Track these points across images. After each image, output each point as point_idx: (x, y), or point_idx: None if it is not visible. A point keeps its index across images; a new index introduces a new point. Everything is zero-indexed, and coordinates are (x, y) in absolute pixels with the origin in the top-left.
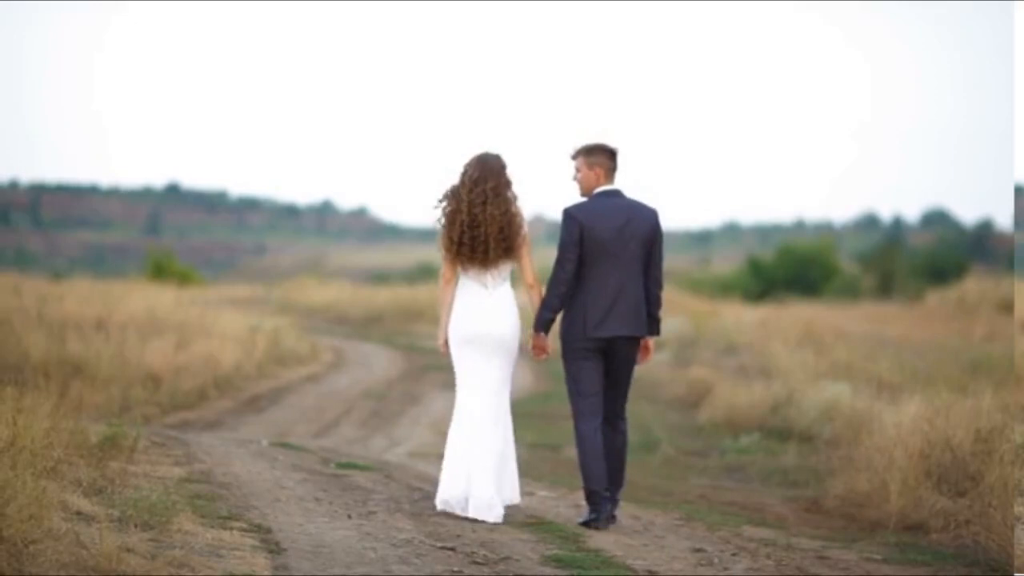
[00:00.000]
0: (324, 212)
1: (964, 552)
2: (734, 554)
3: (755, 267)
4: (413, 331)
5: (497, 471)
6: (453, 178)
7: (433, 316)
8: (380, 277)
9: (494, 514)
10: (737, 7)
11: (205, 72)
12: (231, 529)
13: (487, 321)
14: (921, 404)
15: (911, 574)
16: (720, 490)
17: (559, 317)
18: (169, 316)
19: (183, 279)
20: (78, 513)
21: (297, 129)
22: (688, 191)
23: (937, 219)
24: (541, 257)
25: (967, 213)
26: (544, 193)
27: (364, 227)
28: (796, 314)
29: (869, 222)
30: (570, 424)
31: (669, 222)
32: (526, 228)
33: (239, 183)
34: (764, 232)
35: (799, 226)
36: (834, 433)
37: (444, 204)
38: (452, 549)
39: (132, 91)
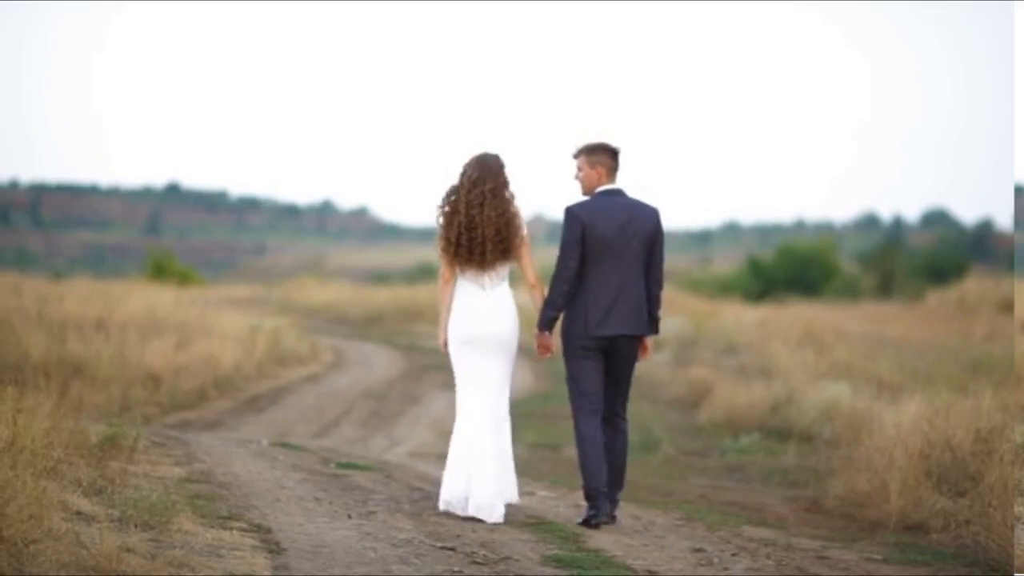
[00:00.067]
0: (324, 212)
1: (964, 552)
2: (734, 554)
3: (755, 267)
4: (413, 331)
5: (497, 471)
6: (453, 178)
7: (433, 316)
8: (380, 277)
9: (495, 514)
10: (737, 7)
11: (205, 72)
12: (231, 529)
13: (485, 321)
14: (921, 404)
15: (911, 574)
16: (720, 490)
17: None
18: (169, 316)
19: (183, 279)
20: (78, 513)
21: (297, 129)
22: (688, 191)
23: (937, 219)
24: (541, 257)
25: (967, 213)
26: (544, 193)
27: (364, 227)
28: (796, 314)
29: (869, 222)
30: (570, 424)
31: (669, 222)
32: (525, 229)
33: (239, 183)
34: (764, 232)
35: (799, 226)
36: (834, 433)
37: (444, 205)
38: (452, 549)
39: (132, 91)
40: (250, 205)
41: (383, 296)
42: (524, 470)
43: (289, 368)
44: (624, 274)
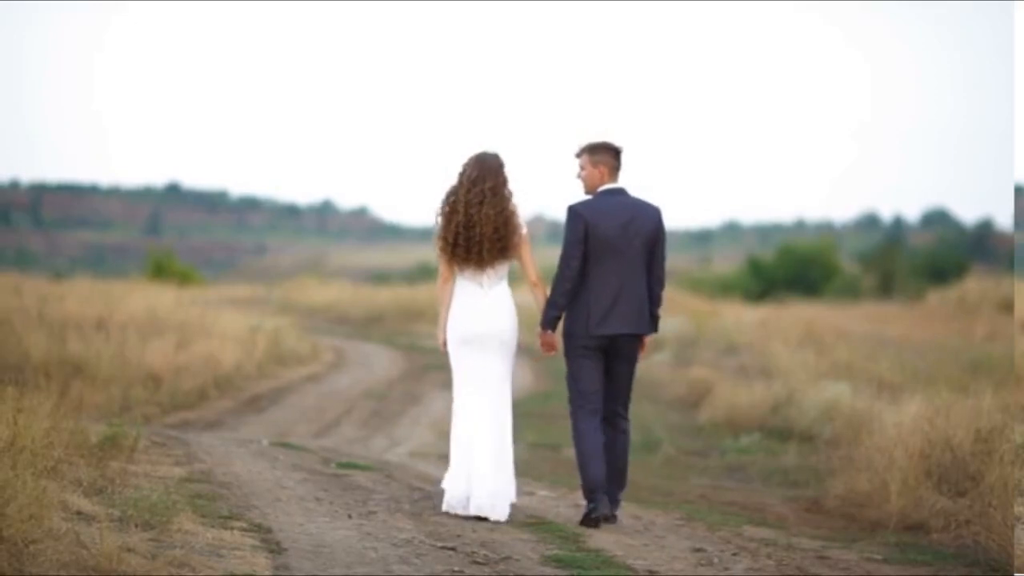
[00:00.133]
0: (324, 212)
1: (964, 552)
2: (735, 554)
3: (755, 267)
4: (414, 331)
5: (497, 469)
6: (453, 179)
7: (433, 316)
8: (380, 277)
9: (497, 512)
10: (737, 7)
11: (205, 72)
12: (232, 529)
13: (484, 320)
14: (921, 404)
15: (911, 574)
16: (720, 490)
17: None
18: (169, 316)
19: (183, 279)
20: (78, 513)
21: (297, 129)
22: (688, 191)
23: (937, 219)
24: (541, 257)
25: (967, 213)
26: (544, 192)
27: (364, 227)
28: (796, 314)
29: (869, 222)
30: (570, 423)
31: (669, 222)
32: (525, 227)
33: (239, 183)
34: (764, 232)
35: (799, 226)
36: (834, 433)
37: (444, 206)
38: (452, 549)
39: (132, 91)
40: (250, 205)
41: (383, 296)
42: (524, 470)
43: (289, 368)
44: (626, 273)
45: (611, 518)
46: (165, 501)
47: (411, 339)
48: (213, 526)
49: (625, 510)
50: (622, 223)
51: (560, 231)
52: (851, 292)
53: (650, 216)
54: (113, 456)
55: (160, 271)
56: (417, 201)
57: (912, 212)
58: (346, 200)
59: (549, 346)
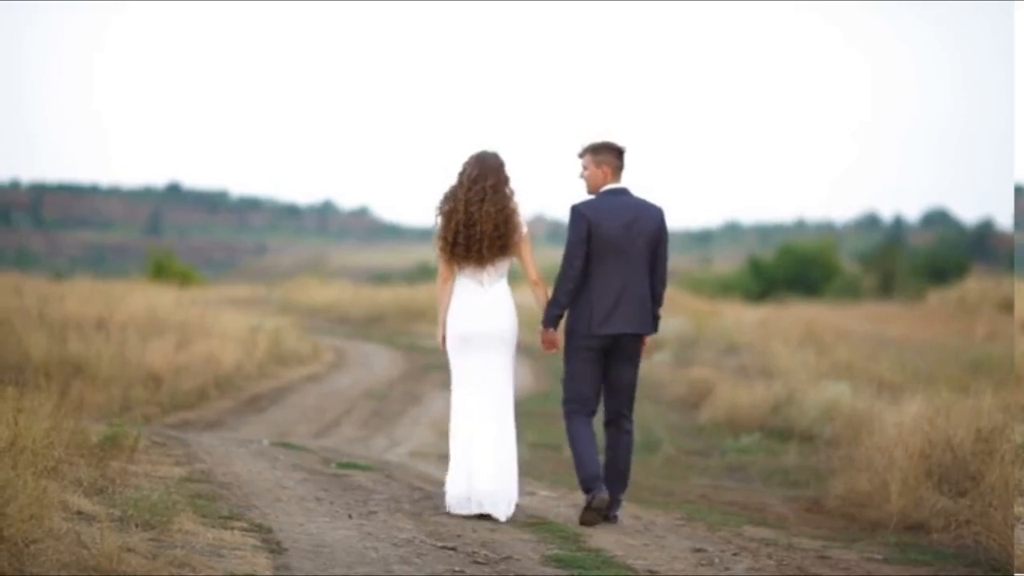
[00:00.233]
0: (325, 212)
1: (965, 552)
2: (735, 554)
3: (756, 267)
4: (414, 331)
5: (499, 466)
6: (453, 178)
7: (434, 316)
8: (381, 277)
9: (500, 511)
10: (737, 7)
11: (206, 72)
12: (232, 529)
13: (484, 318)
14: (922, 404)
15: (912, 574)
16: (721, 490)
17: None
18: (170, 316)
19: (184, 279)
20: (79, 513)
21: (298, 129)
22: (689, 191)
23: (938, 219)
24: (542, 257)
25: (968, 213)
26: (545, 192)
27: (365, 227)
28: (797, 314)
29: (870, 222)
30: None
31: (670, 222)
32: (525, 225)
33: (240, 183)
34: (765, 232)
35: (800, 226)
36: (835, 433)
37: (443, 206)
38: (453, 549)
39: (133, 91)
40: (251, 205)
41: (384, 296)
42: (525, 470)
43: (290, 368)
44: (629, 273)
45: (612, 518)
46: (165, 501)
47: (411, 339)
48: (213, 526)
49: (626, 510)
50: (625, 223)
51: (561, 231)
52: (851, 292)
53: (653, 216)
54: (113, 456)
55: (160, 271)
56: (418, 201)
57: (912, 212)
58: (346, 200)
59: (550, 344)
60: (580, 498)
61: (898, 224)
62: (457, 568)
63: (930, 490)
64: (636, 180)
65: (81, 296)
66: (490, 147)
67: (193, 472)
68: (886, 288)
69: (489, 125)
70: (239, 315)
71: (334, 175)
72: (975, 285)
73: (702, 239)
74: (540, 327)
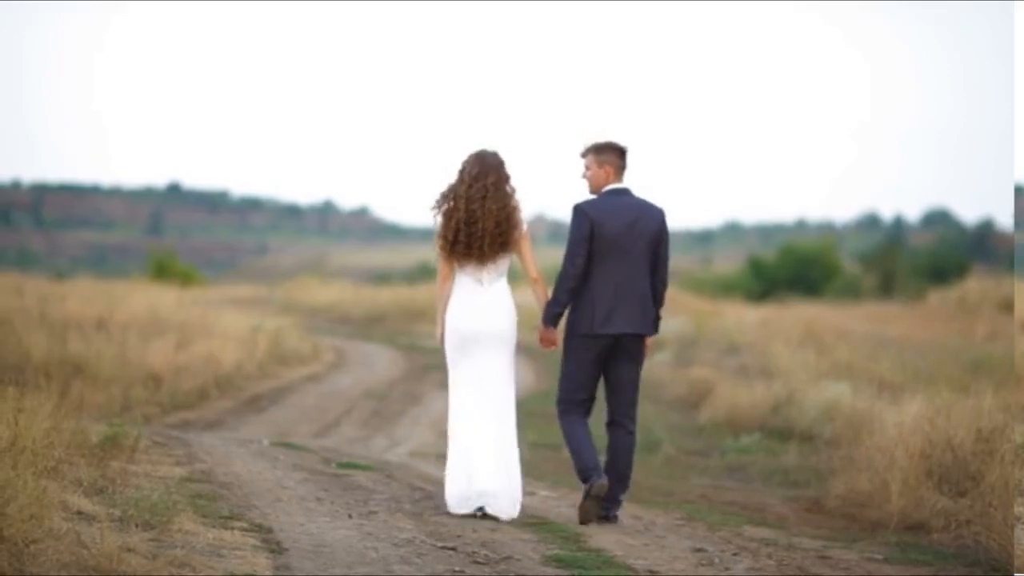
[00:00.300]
0: (326, 212)
1: (965, 552)
2: (735, 554)
3: (756, 267)
4: (415, 331)
5: (499, 468)
6: (452, 178)
7: (434, 316)
8: (382, 277)
9: (505, 510)
10: (737, 7)
11: (206, 72)
12: (232, 529)
13: (483, 317)
14: (922, 404)
15: (912, 574)
16: (721, 490)
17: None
18: (171, 316)
19: (185, 279)
20: (79, 513)
21: (299, 129)
22: (689, 191)
23: (938, 219)
24: (542, 257)
25: (968, 213)
26: (546, 192)
27: (366, 227)
28: (797, 314)
29: (870, 222)
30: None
31: (670, 222)
32: (525, 223)
33: (241, 183)
34: (765, 232)
35: (800, 226)
36: (835, 433)
37: (442, 203)
38: (453, 549)
39: (134, 91)
40: (252, 205)
41: (385, 296)
42: (525, 470)
43: (290, 368)
44: (630, 273)
45: (612, 518)
46: (166, 501)
47: (412, 339)
48: (214, 526)
49: (626, 510)
50: (628, 222)
51: (562, 231)
52: (852, 292)
53: (654, 217)
54: (114, 456)
55: (161, 271)
56: (418, 201)
57: (913, 212)
58: (347, 200)
59: (549, 342)
60: (581, 498)
61: (898, 224)
62: (457, 568)
63: (930, 490)
64: (637, 180)
65: (82, 296)
66: (490, 146)
67: (193, 472)
68: (887, 288)
69: (489, 125)
70: (240, 315)
71: (335, 175)
72: (975, 285)
73: (703, 239)
74: (539, 324)
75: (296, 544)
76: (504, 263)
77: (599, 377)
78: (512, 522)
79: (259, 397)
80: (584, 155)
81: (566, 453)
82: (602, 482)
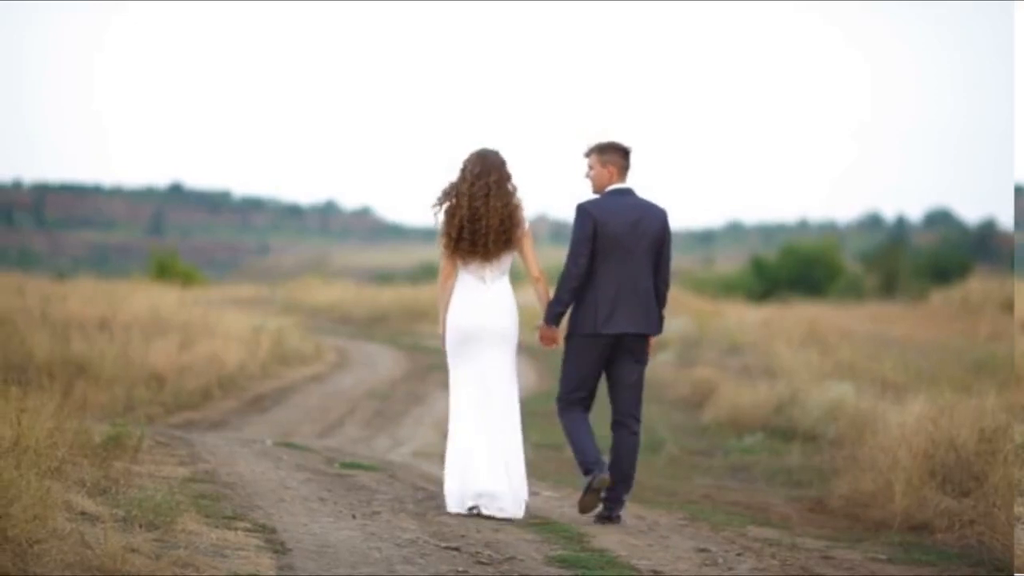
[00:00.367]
0: (327, 212)
1: (968, 552)
2: (739, 554)
3: (759, 267)
4: (417, 331)
5: (505, 467)
6: (453, 177)
7: (436, 315)
8: (384, 277)
9: (508, 510)
10: (737, 7)
11: (208, 72)
12: (235, 529)
13: (485, 314)
14: (925, 404)
15: (916, 574)
16: (724, 490)
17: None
18: (173, 316)
19: (187, 279)
20: (82, 513)
21: (300, 129)
22: (691, 191)
23: (940, 219)
24: (544, 257)
25: (970, 213)
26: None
27: (367, 227)
28: (800, 314)
29: (873, 222)
30: (562, 422)
31: (672, 222)
32: (527, 222)
33: (242, 183)
34: (767, 232)
35: (802, 226)
36: (838, 433)
37: (443, 202)
38: (456, 549)
39: (135, 91)
40: (253, 205)
41: (387, 296)
42: (528, 470)
43: (293, 368)
44: (633, 272)
45: (615, 518)
46: (169, 501)
47: (414, 339)
48: (217, 526)
49: (629, 510)
50: (631, 222)
51: (564, 231)
52: (854, 292)
53: (657, 217)
54: (117, 456)
55: (163, 271)
56: (420, 201)
57: (915, 212)
58: (349, 200)
59: (550, 340)
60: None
61: (901, 224)
62: (461, 568)
63: (934, 490)
64: (639, 180)
65: (84, 296)
66: (491, 146)
67: (197, 472)
68: (889, 288)
69: (492, 125)
70: (242, 315)
71: (336, 175)
72: (978, 285)
73: (705, 239)
74: (540, 323)
75: (299, 544)
76: (507, 261)
77: (599, 376)
78: (515, 522)
79: (262, 397)
80: (588, 155)
81: (569, 453)
82: (603, 476)
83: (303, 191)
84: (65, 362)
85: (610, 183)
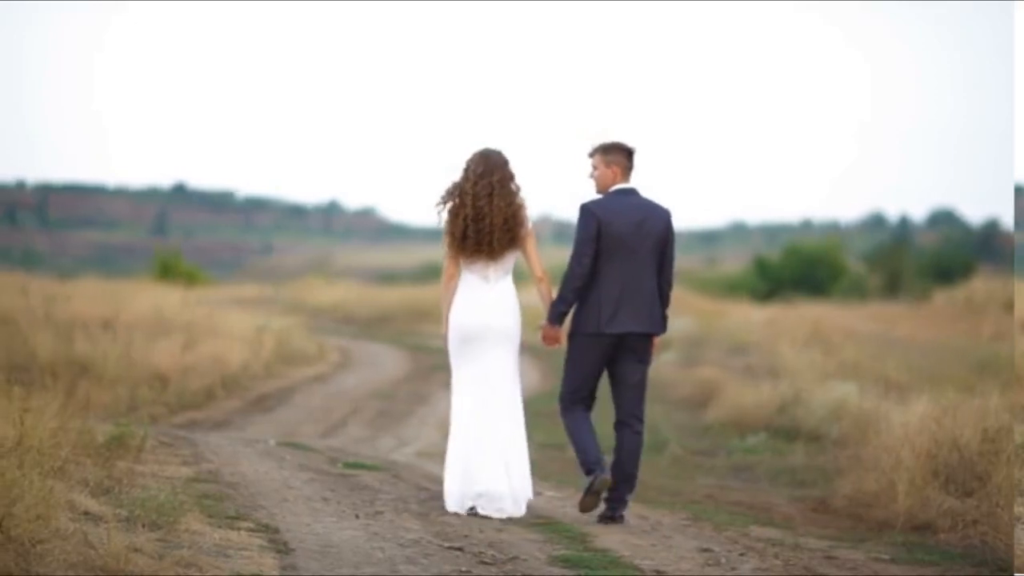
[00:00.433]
0: (331, 212)
1: (971, 552)
2: (742, 554)
3: (762, 267)
4: (420, 331)
5: (508, 466)
6: (457, 177)
7: (440, 315)
8: (387, 277)
9: (509, 510)
10: (738, 7)
11: (211, 72)
12: (239, 529)
13: (488, 313)
14: (928, 404)
15: (919, 574)
16: (727, 490)
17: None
18: (176, 316)
19: (190, 279)
20: (85, 513)
21: (304, 129)
22: (694, 191)
23: (944, 219)
24: (547, 257)
25: (973, 213)
26: (551, 193)
27: (371, 227)
28: (803, 314)
29: (876, 222)
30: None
31: (676, 222)
32: (530, 221)
33: (246, 183)
34: (771, 232)
35: (806, 226)
36: (841, 433)
37: (447, 202)
38: (460, 549)
39: (137, 91)
40: (257, 205)
41: (390, 296)
42: (532, 470)
43: (296, 368)
44: (637, 272)
45: (618, 518)
46: (172, 501)
47: (418, 339)
48: (220, 526)
49: (632, 510)
50: (635, 222)
51: (567, 231)
52: (858, 292)
53: (661, 217)
54: (120, 456)
55: (166, 271)
56: (424, 202)
57: (918, 212)
58: (352, 200)
59: (553, 339)
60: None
61: (904, 224)
62: (464, 568)
63: (937, 490)
64: (642, 180)
65: (87, 296)
66: (494, 146)
67: (200, 472)
68: (892, 288)
69: (495, 126)
70: (245, 315)
71: (340, 175)
72: (981, 285)
73: (708, 239)
74: (543, 322)
75: (302, 544)
76: (510, 260)
77: (601, 376)
78: (519, 522)
79: (265, 397)
80: (591, 155)
81: (571, 453)
82: (604, 477)
83: (307, 191)
84: (68, 362)
85: (614, 183)
